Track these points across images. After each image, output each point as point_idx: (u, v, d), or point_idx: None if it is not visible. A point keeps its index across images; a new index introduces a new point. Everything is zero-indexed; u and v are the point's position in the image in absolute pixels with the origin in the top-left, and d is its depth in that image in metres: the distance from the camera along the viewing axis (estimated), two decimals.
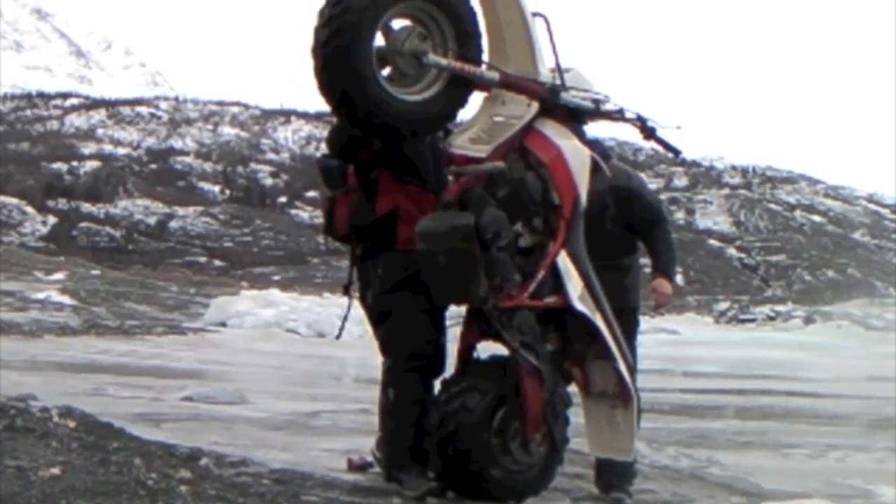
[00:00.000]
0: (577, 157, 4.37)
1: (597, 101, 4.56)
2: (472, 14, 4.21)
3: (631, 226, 4.97)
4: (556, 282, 4.28)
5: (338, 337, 5.20)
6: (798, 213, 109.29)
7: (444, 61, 4.10)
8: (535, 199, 4.28)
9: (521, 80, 4.34)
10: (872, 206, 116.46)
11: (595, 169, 4.47)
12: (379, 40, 4.02)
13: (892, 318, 28.12)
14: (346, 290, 4.63)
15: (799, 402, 12.00)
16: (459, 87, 4.21)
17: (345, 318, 4.71)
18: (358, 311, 4.71)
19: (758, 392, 11.90)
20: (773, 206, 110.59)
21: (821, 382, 14.79)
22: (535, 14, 4.36)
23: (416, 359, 4.33)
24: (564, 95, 4.41)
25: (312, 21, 3.98)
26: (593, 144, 4.64)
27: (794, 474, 6.39)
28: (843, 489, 5.95)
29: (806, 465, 7.00)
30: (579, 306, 4.29)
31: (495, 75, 4.25)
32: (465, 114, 4.52)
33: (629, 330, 4.80)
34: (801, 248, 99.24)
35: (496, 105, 4.48)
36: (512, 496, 4.25)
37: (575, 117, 4.52)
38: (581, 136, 4.60)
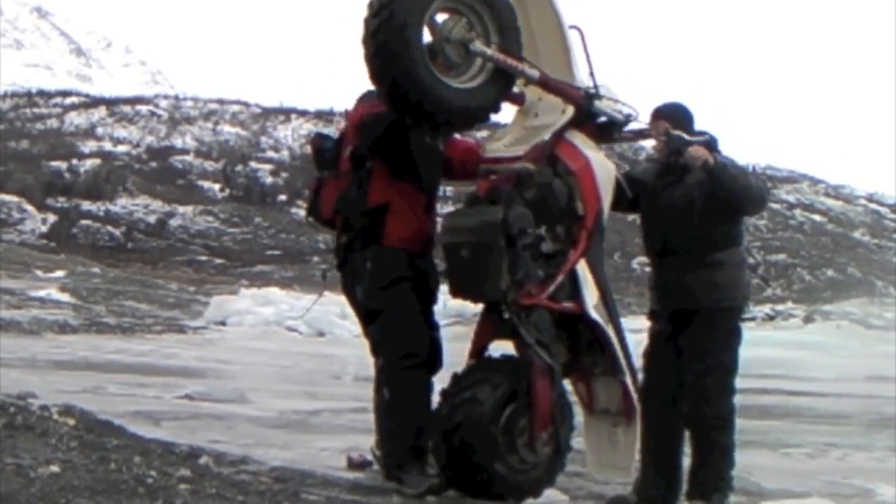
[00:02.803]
0: (604, 170, 4.42)
1: (627, 115, 4.59)
2: (512, 10, 4.26)
3: (725, 218, 4.62)
4: (573, 288, 4.31)
5: (301, 317, 5.16)
6: (798, 212, 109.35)
7: (488, 51, 4.14)
8: (560, 206, 4.32)
9: (559, 82, 4.38)
10: (872, 206, 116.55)
11: (618, 187, 4.49)
12: (425, 35, 4.07)
13: (892, 317, 28.06)
14: (324, 276, 4.64)
15: (799, 401, 11.99)
16: (502, 81, 4.24)
17: (314, 301, 4.70)
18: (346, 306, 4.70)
19: (757, 391, 11.89)
20: (773, 205, 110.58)
21: (820, 381, 14.77)
22: (570, 27, 4.44)
23: (411, 357, 4.31)
24: (598, 104, 4.44)
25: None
26: (700, 134, 4.65)
27: (794, 473, 6.38)
28: (843, 488, 5.94)
29: (806, 465, 6.99)
30: (593, 314, 4.31)
31: (536, 72, 4.30)
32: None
33: (718, 332, 4.58)
34: (800, 248, 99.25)
35: (529, 117, 4.55)
36: (512, 494, 4.25)
37: (604, 133, 4.54)
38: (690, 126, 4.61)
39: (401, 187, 4.39)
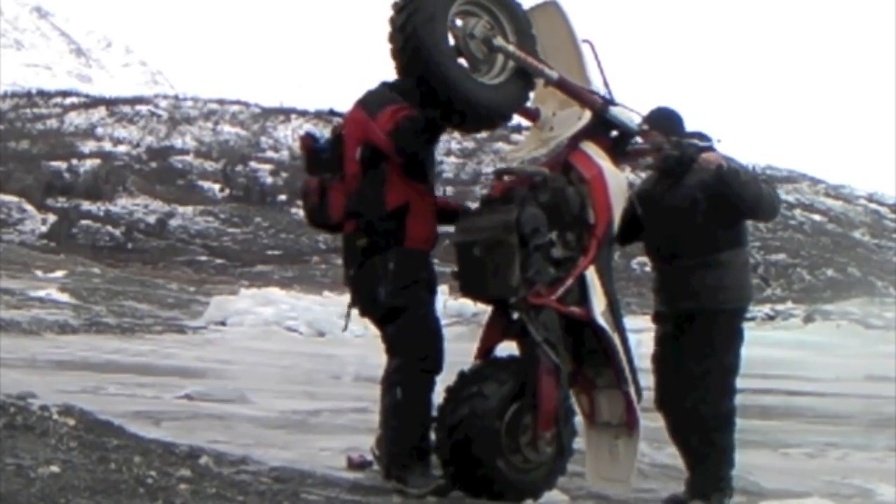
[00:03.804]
0: (616, 181, 4.46)
1: (640, 128, 4.64)
2: (528, 16, 4.35)
3: (728, 218, 4.63)
4: (581, 294, 4.33)
5: (344, 329, 5.05)
6: (798, 212, 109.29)
7: (510, 48, 4.20)
8: (572, 213, 4.35)
9: (576, 85, 4.43)
10: (872, 206, 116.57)
11: (632, 206, 4.53)
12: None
13: (892, 317, 28.05)
14: (348, 312, 4.59)
15: (799, 400, 12.00)
16: (522, 81, 4.30)
17: (348, 314, 4.66)
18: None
19: (757, 391, 11.89)
20: None
21: (820, 381, 14.78)
22: (582, 40, 4.51)
23: (427, 361, 4.33)
24: (613, 110, 4.48)
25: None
26: (697, 135, 4.72)
27: (793, 473, 6.38)
28: (842, 488, 5.93)
29: (806, 464, 6.99)
30: (600, 321, 4.33)
31: (554, 73, 4.34)
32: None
33: (720, 332, 4.61)
34: (800, 248, 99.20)
35: (545, 131, 4.59)
36: (512, 493, 4.24)
37: (618, 147, 4.58)
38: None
39: (415, 188, 4.41)
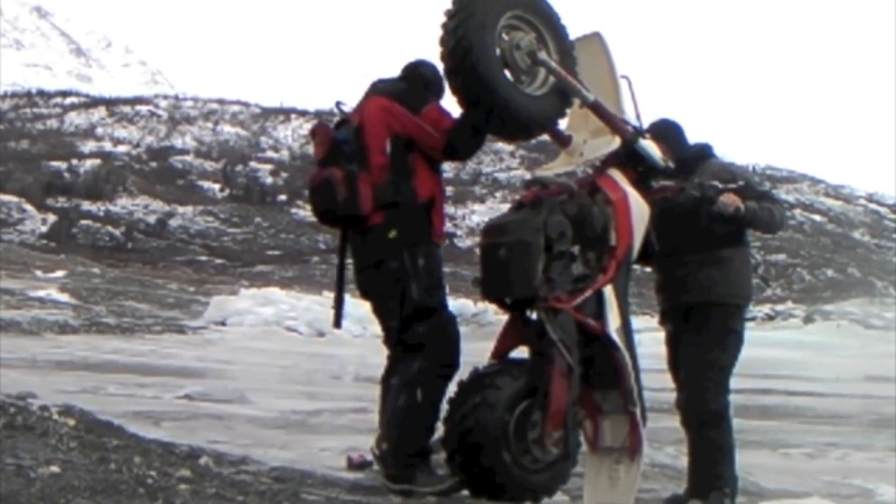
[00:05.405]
0: (640, 208, 4.50)
1: (667, 164, 4.68)
2: (570, 39, 4.45)
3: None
4: (598, 308, 4.36)
5: (337, 325, 4.97)
6: (798, 212, 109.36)
7: (552, 63, 4.31)
8: (595, 231, 4.40)
9: (610, 112, 4.51)
10: (872, 206, 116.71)
11: (648, 238, 4.58)
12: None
13: (892, 317, 28.12)
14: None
15: (799, 401, 12.01)
16: (560, 98, 4.39)
17: (338, 309, 4.71)
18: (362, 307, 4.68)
19: (757, 391, 11.91)
20: None
21: (820, 381, 14.80)
22: (621, 76, 4.61)
23: (449, 368, 4.34)
24: (643, 142, 4.55)
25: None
26: (699, 147, 4.86)
27: (793, 473, 6.39)
28: (842, 488, 5.94)
29: (806, 465, 6.99)
30: (614, 336, 4.35)
31: (591, 95, 4.43)
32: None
33: (713, 328, 4.64)
34: (800, 248, 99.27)
35: (575, 156, 4.66)
36: (513, 489, 4.23)
37: (643, 182, 4.63)
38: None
39: (438, 182, 4.46)
